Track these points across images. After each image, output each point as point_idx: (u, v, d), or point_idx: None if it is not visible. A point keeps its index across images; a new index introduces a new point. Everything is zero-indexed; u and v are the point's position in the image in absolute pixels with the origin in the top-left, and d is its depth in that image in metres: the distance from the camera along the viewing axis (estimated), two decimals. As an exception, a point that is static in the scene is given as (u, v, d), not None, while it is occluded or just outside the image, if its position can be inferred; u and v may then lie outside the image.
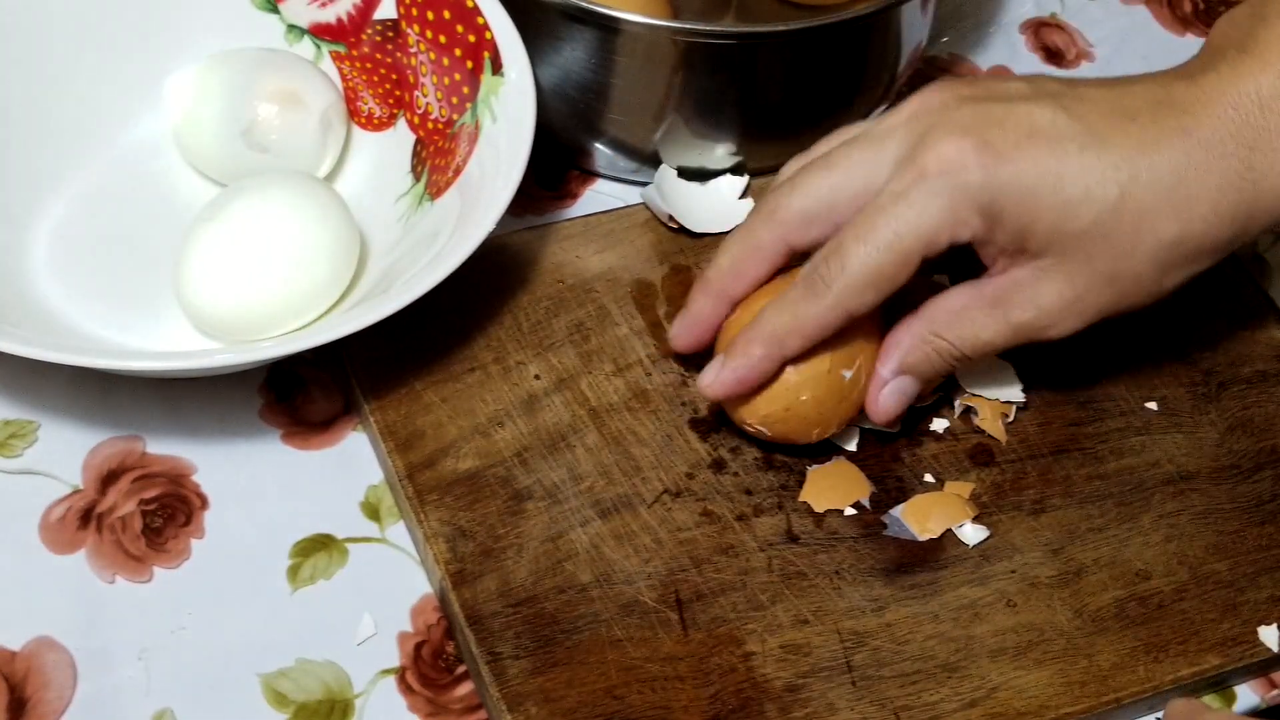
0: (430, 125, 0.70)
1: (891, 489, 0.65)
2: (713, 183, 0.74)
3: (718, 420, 0.65)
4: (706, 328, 0.65)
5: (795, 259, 0.63)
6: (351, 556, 0.62)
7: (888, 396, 0.63)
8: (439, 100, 0.70)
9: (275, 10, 0.73)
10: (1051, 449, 0.66)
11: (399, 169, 0.71)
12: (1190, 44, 0.82)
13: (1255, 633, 0.62)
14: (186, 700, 0.58)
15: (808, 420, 0.63)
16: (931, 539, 0.63)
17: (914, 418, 0.67)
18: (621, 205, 0.74)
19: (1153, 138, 0.59)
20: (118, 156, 0.71)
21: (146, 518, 0.62)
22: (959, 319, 0.62)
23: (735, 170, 0.74)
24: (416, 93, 0.71)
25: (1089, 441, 0.66)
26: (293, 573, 0.62)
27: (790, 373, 0.62)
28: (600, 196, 0.76)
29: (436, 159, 0.69)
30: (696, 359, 0.65)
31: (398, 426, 0.64)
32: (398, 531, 0.63)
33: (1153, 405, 0.68)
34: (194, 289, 0.64)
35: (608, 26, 0.69)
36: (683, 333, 0.65)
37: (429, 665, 0.60)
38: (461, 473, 0.63)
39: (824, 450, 0.65)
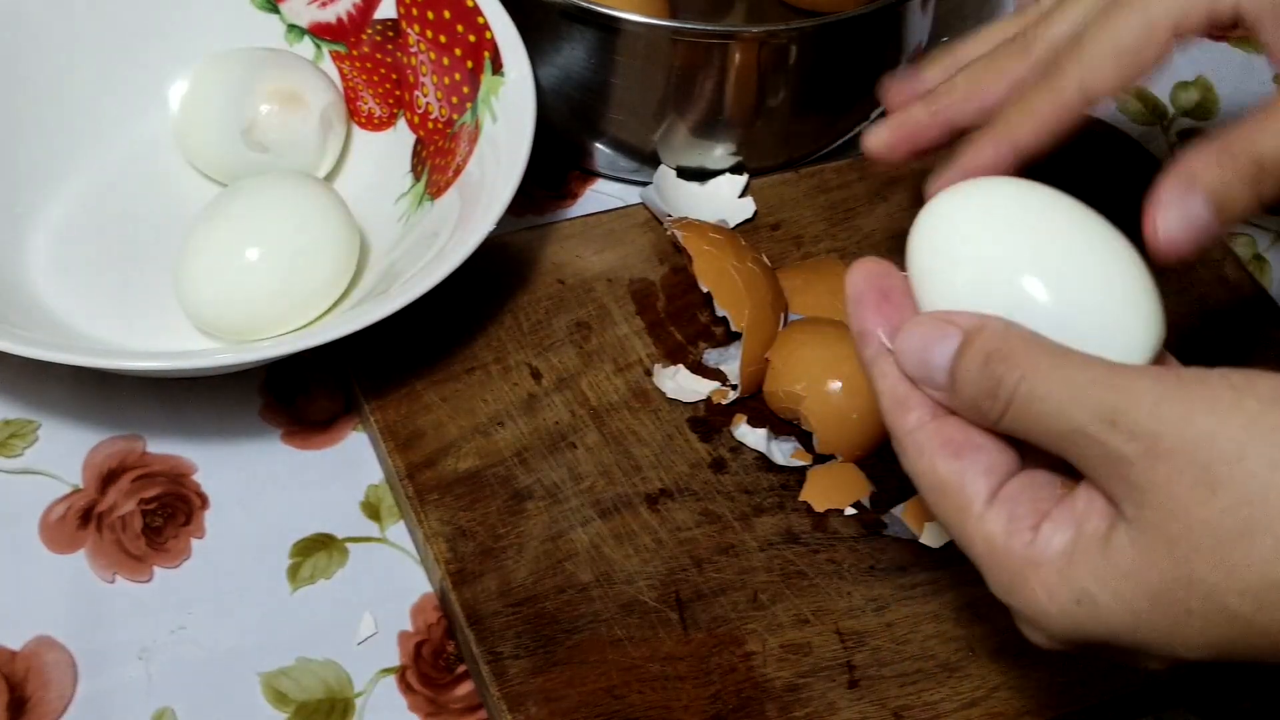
0: (430, 125, 0.70)
1: (891, 489, 0.65)
2: (712, 183, 0.74)
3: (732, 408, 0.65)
4: (913, 136, 0.58)
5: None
6: (352, 556, 0.62)
7: (1168, 214, 0.50)
8: (439, 100, 0.70)
9: (275, 10, 0.73)
10: (1051, 449, 0.66)
11: (399, 169, 0.71)
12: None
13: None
14: (186, 700, 0.58)
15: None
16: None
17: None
18: (621, 205, 0.74)
19: None
20: (118, 156, 0.71)
21: (146, 517, 0.62)
22: (1249, 127, 0.50)
23: (735, 170, 0.74)
24: (416, 92, 0.71)
25: (1089, 441, 0.66)
26: (293, 572, 0.62)
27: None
28: (600, 196, 0.76)
29: (436, 159, 0.69)
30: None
31: (398, 426, 0.64)
32: (398, 531, 0.63)
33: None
34: (194, 289, 0.64)
35: (608, 26, 0.69)
36: (885, 132, 0.59)
37: (429, 665, 0.60)
38: (462, 472, 0.63)
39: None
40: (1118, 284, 0.46)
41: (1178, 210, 0.49)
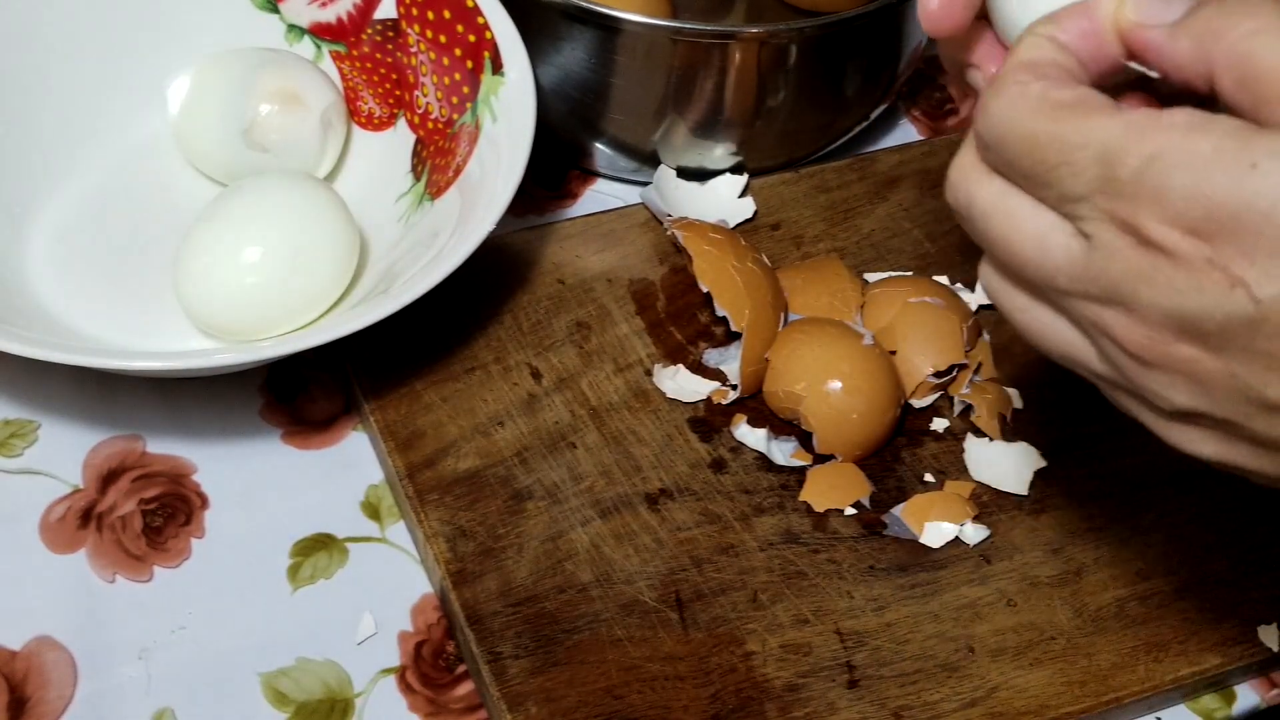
0: (430, 125, 0.70)
1: (891, 489, 0.65)
2: (712, 183, 0.74)
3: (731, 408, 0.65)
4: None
5: None
6: (352, 556, 0.62)
7: None
8: (439, 100, 0.70)
9: (275, 10, 0.73)
10: (1051, 449, 0.66)
11: (399, 169, 0.71)
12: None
13: (1255, 633, 0.62)
14: (186, 700, 0.58)
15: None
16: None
17: (914, 418, 0.67)
18: (621, 205, 0.74)
19: None
20: (118, 156, 0.71)
21: (147, 517, 0.62)
22: None
23: (735, 170, 0.74)
24: (416, 92, 0.71)
25: (1089, 441, 0.66)
26: (293, 572, 0.62)
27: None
28: (600, 196, 0.76)
29: (437, 159, 0.69)
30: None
31: (398, 426, 0.64)
32: (398, 531, 0.63)
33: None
34: (194, 289, 0.64)
35: (608, 26, 0.69)
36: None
37: (429, 665, 0.60)
38: (462, 472, 0.63)
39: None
40: None
41: None
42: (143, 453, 0.64)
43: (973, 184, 0.45)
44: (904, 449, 0.66)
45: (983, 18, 0.50)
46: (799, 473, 0.64)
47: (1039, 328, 0.45)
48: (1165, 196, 0.40)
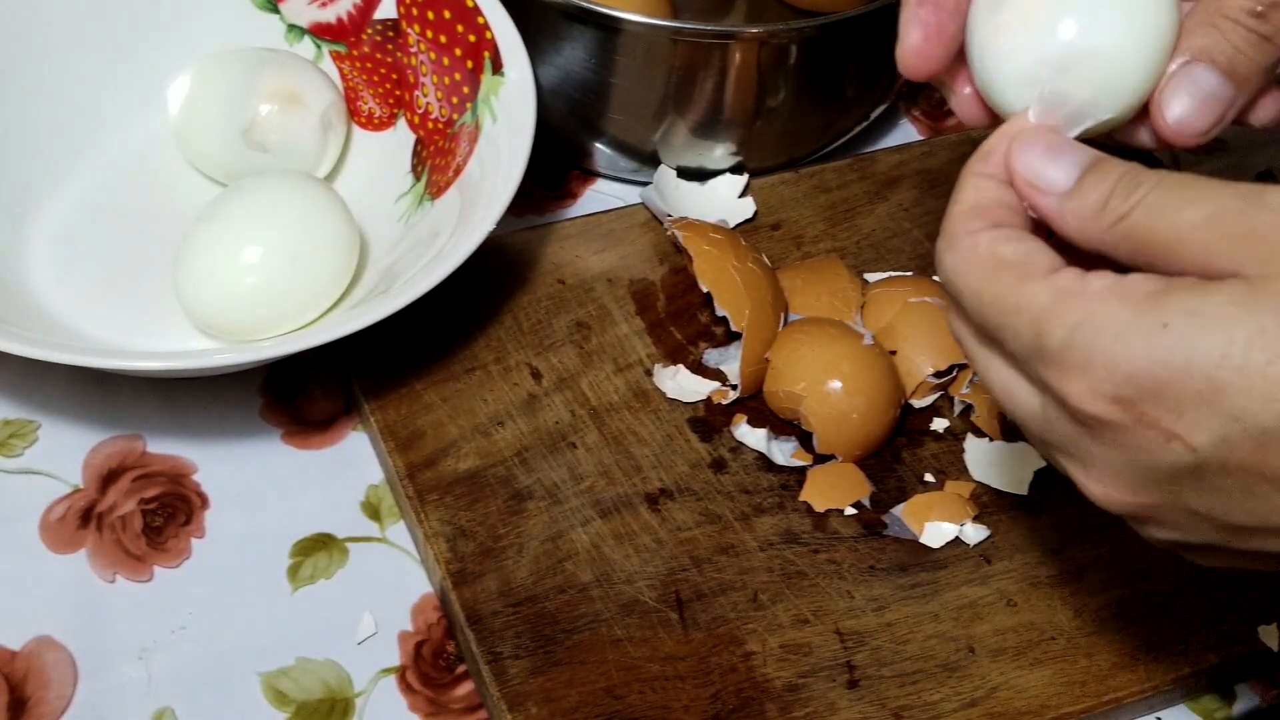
0: (430, 125, 0.70)
1: (891, 489, 0.65)
2: (712, 183, 0.74)
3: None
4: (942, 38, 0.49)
5: None
6: (352, 556, 0.62)
7: (1176, 91, 0.47)
8: (439, 100, 0.70)
9: (275, 10, 0.73)
10: (1051, 449, 0.66)
11: (399, 169, 0.71)
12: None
13: (1255, 633, 0.62)
14: (186, 700, 0.58)
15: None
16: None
17: (914, 418, 0.67)
18: (621, 205, 0.74)
19: None
20: (118, 156, 0.71)
21: (147, 517, 0.62)
22: None
23: (735, 170, 0.74)
24: (417, 92, 0.71)
25: (1089, 441, 0.66)
26: (293, 572, 0.62)
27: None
28: (600, 196, 0.76)
29: (437, 159, 0.69)
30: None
31: (398, 426, 0.64)
32: (398, 531, 0.63)
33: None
34: (194, 289, 0.64)
35: (608, 26, 0.69)
36: (915, 48, 0.49)
37: (429, 664, 0.60)
38: (462, 472, 0.63)
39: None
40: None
41: (1186, 89, 0.47)
42: (143, 453, 0.64)
43: (956, 325, 0.47)
44: (904, 449, 0.66)
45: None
46: (799, 473, 0.64)
47: (1041, 456, 0.48)
48: (1089, 366, 0.42)
